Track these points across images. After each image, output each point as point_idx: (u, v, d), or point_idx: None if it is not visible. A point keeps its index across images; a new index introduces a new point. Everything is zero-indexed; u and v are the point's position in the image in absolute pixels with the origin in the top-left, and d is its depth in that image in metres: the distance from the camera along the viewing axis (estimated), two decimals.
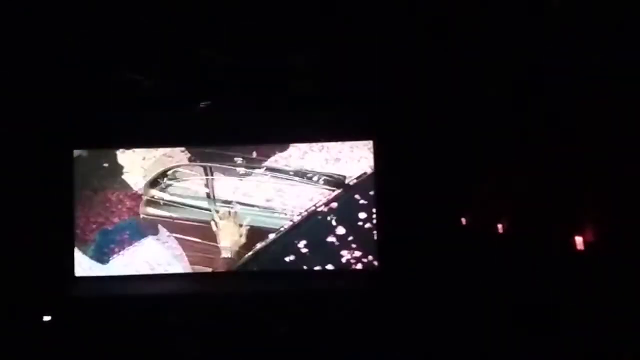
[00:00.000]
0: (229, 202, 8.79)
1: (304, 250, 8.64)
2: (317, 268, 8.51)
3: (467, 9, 4.65)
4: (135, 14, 4.70)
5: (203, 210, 8.78)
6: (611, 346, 4.23)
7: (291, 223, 8.75)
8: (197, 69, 6.06)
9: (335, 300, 6.51)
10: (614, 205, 4.31)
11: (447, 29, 5.00)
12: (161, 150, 8.64)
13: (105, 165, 8.60)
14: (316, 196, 8.75)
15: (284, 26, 5.03)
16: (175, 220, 8.71)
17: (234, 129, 8.25)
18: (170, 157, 8.66)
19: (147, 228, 8.71)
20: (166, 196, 8.71)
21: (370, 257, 8.51)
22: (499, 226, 6.42)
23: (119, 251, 8.63)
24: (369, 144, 8.61)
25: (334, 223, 8.68)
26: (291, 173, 8.71)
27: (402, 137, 8.16)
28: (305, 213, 8.75)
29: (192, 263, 8.63)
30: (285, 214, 8.78)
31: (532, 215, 5.73)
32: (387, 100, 7.28)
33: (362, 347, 5.31)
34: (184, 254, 8.66)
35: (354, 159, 8.66)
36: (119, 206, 8.62)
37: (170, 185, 8.71)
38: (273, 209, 8.78)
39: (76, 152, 8.48)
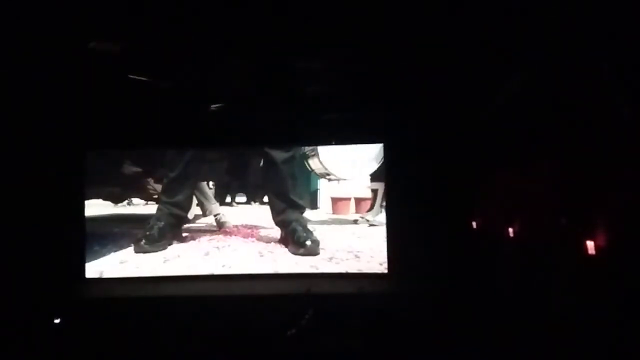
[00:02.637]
0: None
1: None
2: (325, 270, 8.51)
3: (476, 15, 4.63)
4: (147, 16, 4.70)
5: None
6: (621, 350, 4.21)
7: None
8: (210, 71, 6.06)
9: (343, 303, 6.51)
10: (627, 209, 4.27)
11: (457, 32, 4.97)
12: None
13: None
14: None
15: (296, 28, 5.03)
16: None
17: (245, 131, 8.28)
18: None
19: None
20: None
21: (379, 260, 8.51)
22: (510, 230, 6.40)
23: None
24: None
25: None
26: None
27: (412, 140, 8.14)
28: None
29: None
30: None
31: (543, 219, 5.69)
32: (398, 103, 7.24)
33: (370, 350, 5.32)
34: None
35: None
36: None
37: None
38: None
39: None
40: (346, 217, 9.12)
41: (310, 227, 8.78)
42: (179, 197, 8.78)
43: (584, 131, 4.82)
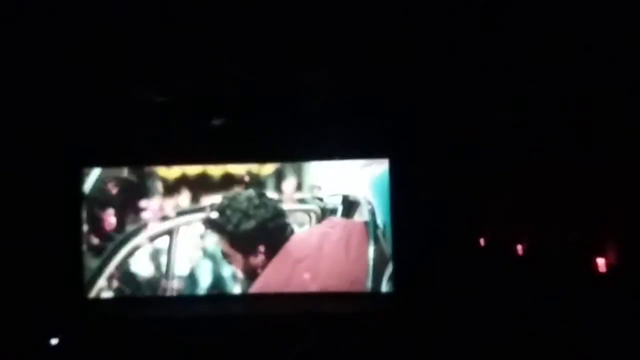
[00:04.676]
0: None
1: None
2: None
3: (482, 24, 4.60)
4: (149, 30, 4.70)
5: None
6: None
7: None
8: (211, 86, 6.04)
9: (349, 322, 6.40)
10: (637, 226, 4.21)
11: (464, 45, 4.95)
12: None
13: None
14: None
15: (298, 41, 5.02)
16: None
17: (248, 146, 8.21)
18: None
19: None
20: None
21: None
22: (519, 247, 6.32)
23: None
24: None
25: None
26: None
27: (418, 155, 8.05)
28: None
29: None
30: None
31: (553, 236, 5.62)
32: (404, 117, 7.20)
33: None
34: None
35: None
36: None
37: None
38: None
39: None
40: None
41: None
42: None
43: (594, 145, 4.78)
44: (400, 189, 8.29)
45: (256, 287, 8.37)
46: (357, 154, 8.48)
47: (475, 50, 5.06)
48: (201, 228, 8.51)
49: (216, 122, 6.90)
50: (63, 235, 8.03)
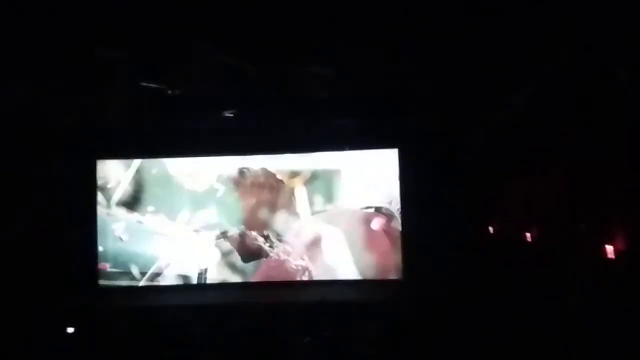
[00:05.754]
0: None
1: None
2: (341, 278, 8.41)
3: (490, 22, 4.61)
4: (157, 23, 4.73)
5: None
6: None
7: None
8: (221, 78, 6.05)
9: (360, 310, 6.45)
10: None
11: (472, 34, 4.94)
12: None
13: None
14: None
15: (305, 33, 5.02)
16: None
17: (258, 138, 8.25)
18: None
19: None
20: None
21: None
22: (527, 235, 6.32)
23: None
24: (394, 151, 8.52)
25: None
26: None
27: (427, 145, 8.09)
28: None
29: None
30: None
31: (561, 224, 5.63)
32: (413, 108, 7.19)
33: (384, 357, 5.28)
34: None
35: None
36: None
37: None
38: None
39: None
40: None
41: None
42: None
43: (598, 134, 4.79)
44: (408, 179, 8.33)
45: (259, 276, 8.40)
46: (366, 145, 8.54)
47: (484, 44, 5.06)
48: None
49: (227, 113, 6.90)
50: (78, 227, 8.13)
